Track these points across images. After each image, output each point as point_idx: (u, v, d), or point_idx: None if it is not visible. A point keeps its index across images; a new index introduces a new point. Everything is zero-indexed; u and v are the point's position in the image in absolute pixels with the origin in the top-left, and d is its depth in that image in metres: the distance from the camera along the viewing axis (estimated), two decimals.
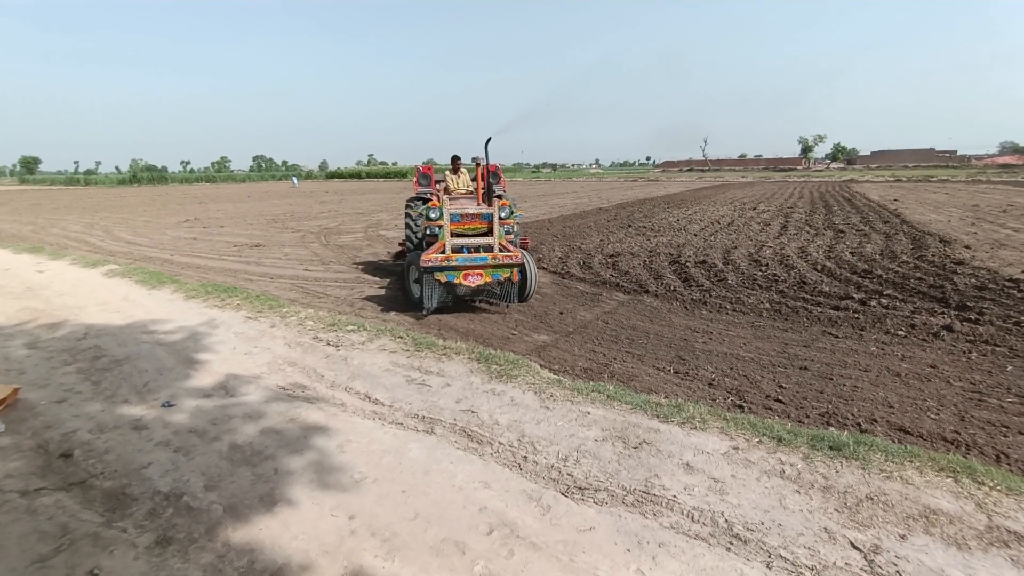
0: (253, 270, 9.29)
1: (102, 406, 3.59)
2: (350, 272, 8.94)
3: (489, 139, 6.36)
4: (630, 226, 14.42)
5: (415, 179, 8.20)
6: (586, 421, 3.22)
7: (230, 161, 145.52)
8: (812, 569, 2.01)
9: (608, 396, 3.54)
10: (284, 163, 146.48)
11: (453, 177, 7.83)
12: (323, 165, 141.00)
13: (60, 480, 2.72)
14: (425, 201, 7.59)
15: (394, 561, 2.12)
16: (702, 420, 3.16)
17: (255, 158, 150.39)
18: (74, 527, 2.34)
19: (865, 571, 1.99)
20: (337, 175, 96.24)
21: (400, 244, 9.02)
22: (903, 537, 2.16)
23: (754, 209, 18.31)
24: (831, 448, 2.80)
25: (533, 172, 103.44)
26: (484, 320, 5.87)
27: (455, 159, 7.91)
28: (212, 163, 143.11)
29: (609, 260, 9.35)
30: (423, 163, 8.15)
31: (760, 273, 7.92)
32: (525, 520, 2.33)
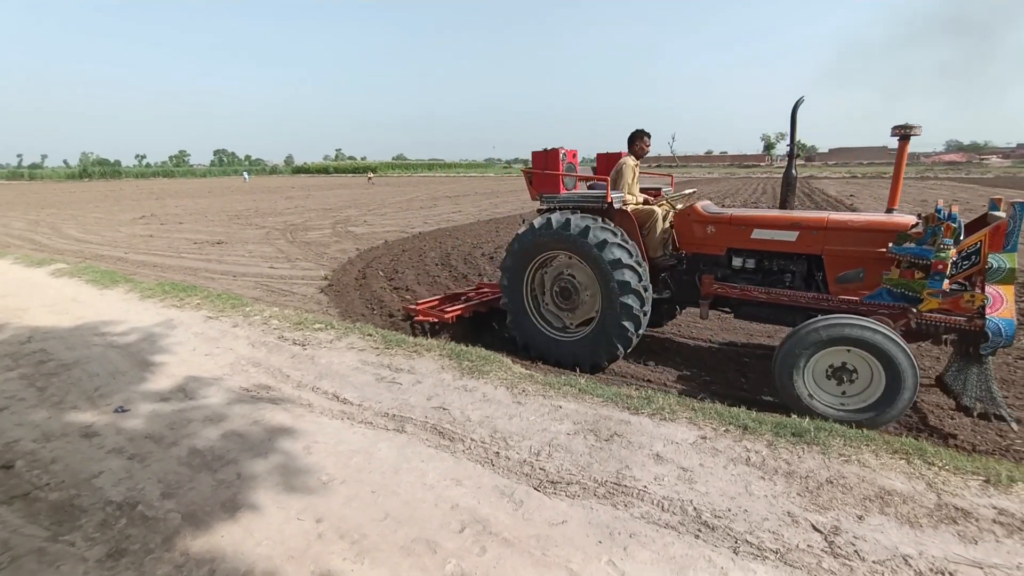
0: (214, 268, 8.95)
1: (48, 413, 3.38)
2: (317, 270, 8.72)
3: (800, 100, 3.99)
4: None
5: (547, 172, 4.60)
6: (558, 415, 3.22)
7: (189, 155, 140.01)
8: (776, 552, 2.06)
9: (580, 389, 3.56)
10: (247, 157, 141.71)
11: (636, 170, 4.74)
12: (289, 160, 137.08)
13: (1, 493, 2.55)
14: (602, 212, 4.36)
15: (363, 563, 2.07)
16: (671, 411, 3.21)
17: (216, 152, 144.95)
18: (16, 543, 2.19)
19: (826, 552, 2.06)
20: (303, 170, 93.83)
21: (416, 310, 5.18)
22: (860, 518, 2.25)
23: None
24: (793, 435, 2.89)
25: (504, 167, 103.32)
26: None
27: (644, 136, 4.69)
28: (170, 157, 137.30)
29: None
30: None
31: None
32: (497, 516, 2.32)
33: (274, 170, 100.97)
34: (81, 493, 2.53)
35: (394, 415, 3.27)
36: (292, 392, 3.65)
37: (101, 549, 2.16)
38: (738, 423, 3.04)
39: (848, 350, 3.26)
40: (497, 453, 2.83)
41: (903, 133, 3.57)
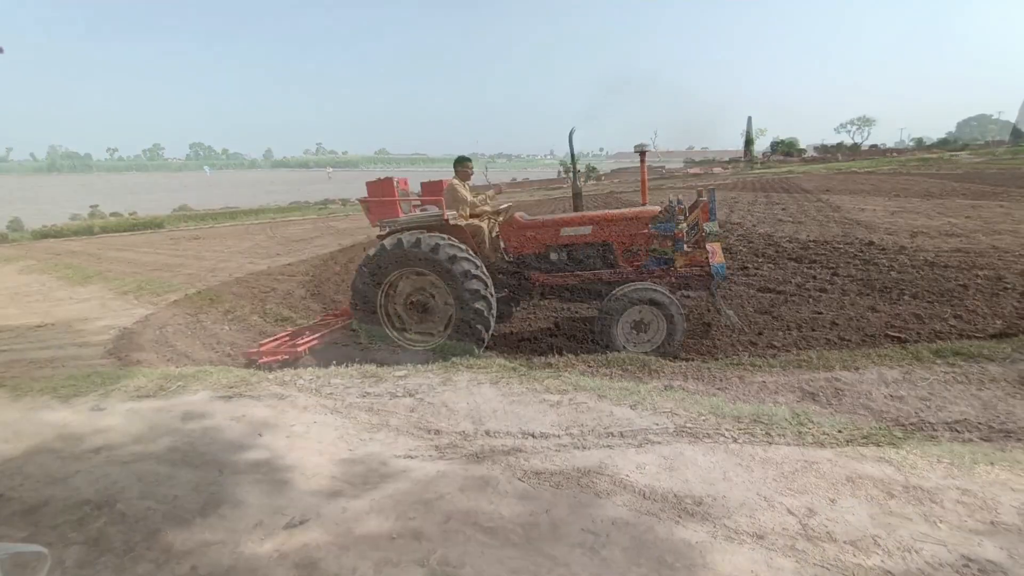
0: (192, 264, 8.78)
1: (20, 413, 3.29)
2: (299, 265, 8.62)
3: (573, 130, 5.09)
4: None
5: (384, 200, 5.26)
6: (543, 407, 3.26)
7: (163, 148, 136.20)
8: (753, 536, 2.13)
9: (564, 381, 3.60)
10: (224, 151, 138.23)
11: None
12: (268, 154, 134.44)
13: None
14: (440, 229, 4.82)
15: (349, 554, 2.07)
16: (653, 401, 3.27)
17: (192, 145, 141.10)
18: None
19: (800, 535, 2.13)
20: (283, 164, 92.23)
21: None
22: (833, 501, 2.33)
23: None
24: (770, 423, 2.97)
25: (488, 162, 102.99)
26: None
27: (467, 162, 5.49)
28: (143, 150, 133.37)
29: None
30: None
31: None
32: (482, 507, 2.34)
33: (252, 164, 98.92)
34: (56, 493, 2.48)
35: (378, 410, 3.26)
36: (275, 388, 3.61)
37: (79, 548, 2.12)
38: (717, 412, 3.11)
39: (640, 309, 4.40)
40: (482, 445, 2.84)
41: (640, 150, 4.98)
